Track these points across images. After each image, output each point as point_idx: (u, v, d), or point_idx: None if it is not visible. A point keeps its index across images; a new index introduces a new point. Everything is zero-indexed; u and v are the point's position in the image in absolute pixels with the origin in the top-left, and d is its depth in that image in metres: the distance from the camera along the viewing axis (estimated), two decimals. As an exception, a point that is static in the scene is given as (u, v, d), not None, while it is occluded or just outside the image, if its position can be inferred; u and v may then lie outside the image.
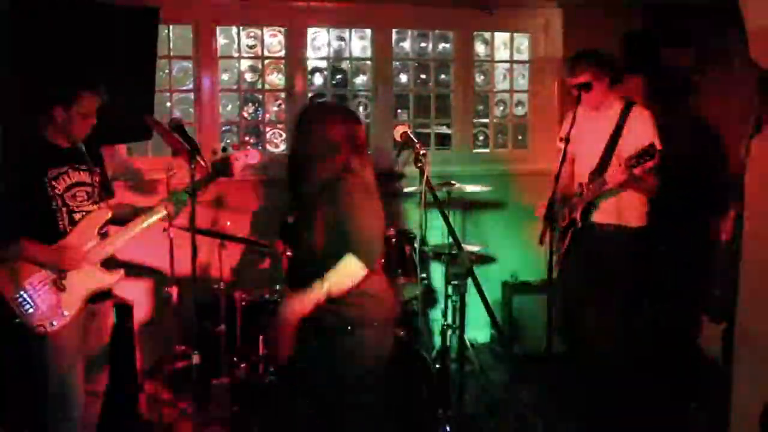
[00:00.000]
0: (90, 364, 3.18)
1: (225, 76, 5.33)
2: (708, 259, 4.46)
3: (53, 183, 3.03)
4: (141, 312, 4.67)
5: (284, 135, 5.43)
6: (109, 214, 3.19)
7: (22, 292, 2.94)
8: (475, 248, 4.70)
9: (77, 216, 3.09)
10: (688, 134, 4.86)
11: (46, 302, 2.97)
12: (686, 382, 4.38)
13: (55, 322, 2.98)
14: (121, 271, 3.23)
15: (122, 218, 3.28)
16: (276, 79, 5.47)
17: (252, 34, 5.31)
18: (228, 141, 5.29)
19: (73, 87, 3.04)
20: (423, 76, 5.81)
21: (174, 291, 4.15)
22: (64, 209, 3.05)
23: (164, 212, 3.27)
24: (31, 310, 2.95)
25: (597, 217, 3.89)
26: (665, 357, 4.66)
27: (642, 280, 4.17)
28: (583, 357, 4.13)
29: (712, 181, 4.69)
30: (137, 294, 4.64)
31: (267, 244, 4.34)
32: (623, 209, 3.85)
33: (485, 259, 5.30)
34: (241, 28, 5.24)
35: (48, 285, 2.99)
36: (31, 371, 3.08)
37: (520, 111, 5.92)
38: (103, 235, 3.16)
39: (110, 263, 3.18)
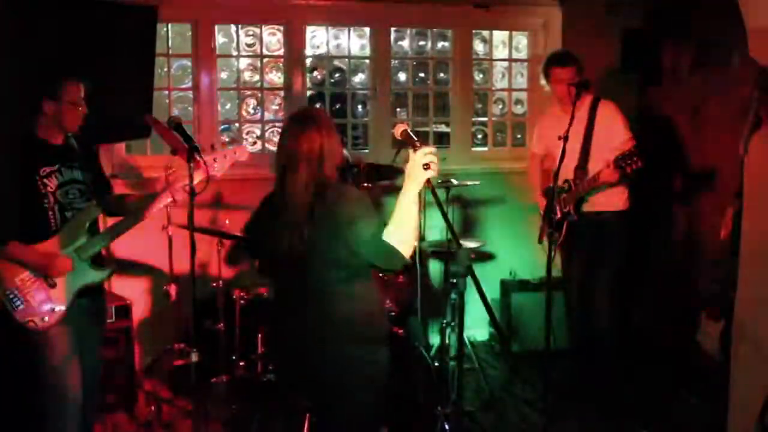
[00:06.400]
0: (86, 361, 3.16)
1: (224, 75, 5.34)
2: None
3: (45, 181, 3.01)
4: (140, 310, 4.67)
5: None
6: (99, 211, 3.18)
7: (12, 288, 2.94)
8: (473, 246, 4.70)
9: (69, 214, 3.08)
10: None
11: (36, 298, 2.97)
12: (686, 377, 4.40)
13: (46, 318, 2.98)
14: (113, 267, 3.24)
15: (120, 210, 3.28)
16: (275, 77, 5.47)
17: (251, 33, 5.30)
18: (221, 139, 5.29)
19: (57, 77, 3.04)
20: (422, 75, 5.81)
21: (173, 289, 4.16)
22: (56, 207, 3.04)
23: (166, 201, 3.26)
24: (21, 306, 2.95)
25: (587, 208, 4.12)
26: (665, 352, 4.67)
27: (637, 263, 4.33)
28: (591, 347, 4.28)
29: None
30: (136, 292, 4.65)
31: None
32: (608, 197, 4.10)
33: (484, 257, 5.29)
34: (239, 26, 5.24)
35: (38, 281, 2.98)
36: (26, 368, 3.07)
37: (518, 109, 5.92)
38: (93, 232, 3.15)
39: (101, 259, 3.18)
